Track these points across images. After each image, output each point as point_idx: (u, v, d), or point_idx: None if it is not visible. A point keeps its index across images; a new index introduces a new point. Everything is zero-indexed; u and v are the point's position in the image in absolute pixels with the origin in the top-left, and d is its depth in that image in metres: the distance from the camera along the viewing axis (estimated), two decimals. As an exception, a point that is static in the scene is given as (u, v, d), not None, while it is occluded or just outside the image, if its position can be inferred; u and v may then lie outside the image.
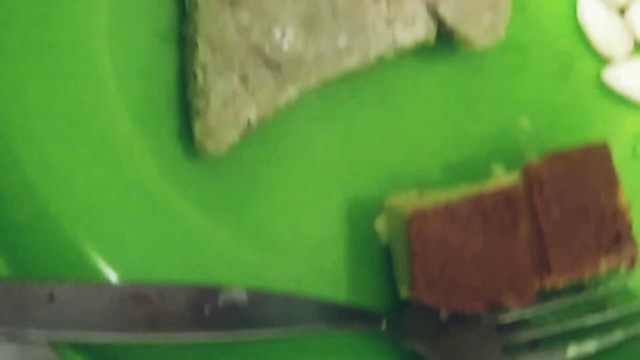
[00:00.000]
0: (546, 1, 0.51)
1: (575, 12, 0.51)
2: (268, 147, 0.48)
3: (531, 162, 0.46)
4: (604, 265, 0.46)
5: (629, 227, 0.47)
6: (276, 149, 0.48)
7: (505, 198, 0.45)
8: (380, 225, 0.49)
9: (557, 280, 0.46)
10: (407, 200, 0.48)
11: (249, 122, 0.45)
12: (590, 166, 0.47)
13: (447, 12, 0.47)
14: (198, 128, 0.45)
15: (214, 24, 0.45)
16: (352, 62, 0.46)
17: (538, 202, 0.46)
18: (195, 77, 0.45)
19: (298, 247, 0.48)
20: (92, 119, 0.47)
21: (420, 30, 0.47)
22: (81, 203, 0.47)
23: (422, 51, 0.49)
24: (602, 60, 0.51)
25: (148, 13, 0.48)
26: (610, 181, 0.47)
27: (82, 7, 0.47)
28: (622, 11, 0.51)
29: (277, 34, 0.45)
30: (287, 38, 0.45)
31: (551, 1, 0.51)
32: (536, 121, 0.51)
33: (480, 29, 0.47)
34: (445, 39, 0.49)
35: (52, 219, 0.46)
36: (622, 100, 0.51)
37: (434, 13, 0.47)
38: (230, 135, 0.45)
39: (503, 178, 0.47)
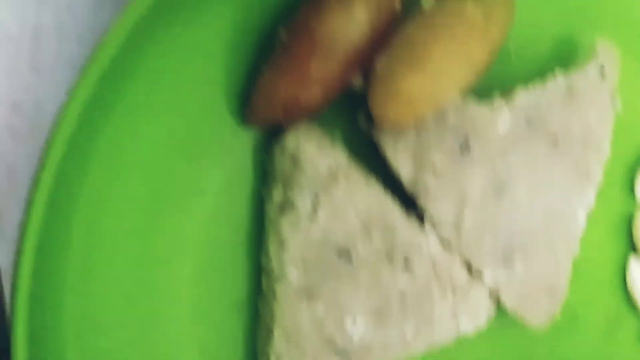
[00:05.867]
0: (596, 264, 0.54)
1: (624, 274, 0.54)
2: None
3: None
4: None
5: None
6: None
7: None
8: None
9: None
10: None
11: (319, 405, 0.48)
12: None
13: (508, 299, 0.49)
14: None
15: (291, 315, 0.47)
16: (416, 349, 0.49)
17: None
18: (269, 361, 0.48)
19: None
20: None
21: (482, 318, 0.49)
22: None
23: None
24: (647, 321, 0.54)
25: (226, 283, 0.50)
26: None
27: (167, 274, 0.50)
28: (671, 274, 0.54)
29: (348, 324, 0.48)
30: (357, 328, 0.48)
31: (601, 263, 0.54)
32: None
33: (537, 311, 0.50)
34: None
35: None
36: (663, 360, 0.54)
37: (495, 299, 0.50)
38: (303, 418, 0.48)
39: None
